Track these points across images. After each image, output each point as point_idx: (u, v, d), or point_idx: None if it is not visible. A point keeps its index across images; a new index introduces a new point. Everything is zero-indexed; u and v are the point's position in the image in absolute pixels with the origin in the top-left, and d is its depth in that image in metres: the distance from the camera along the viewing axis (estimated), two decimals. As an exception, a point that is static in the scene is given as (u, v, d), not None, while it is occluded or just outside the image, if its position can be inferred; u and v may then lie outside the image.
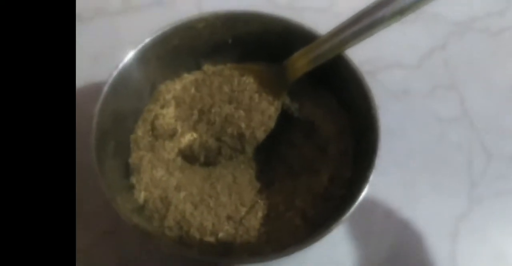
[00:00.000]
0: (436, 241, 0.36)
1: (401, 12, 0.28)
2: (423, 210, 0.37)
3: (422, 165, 0.40)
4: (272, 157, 0.34)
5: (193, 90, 0.33)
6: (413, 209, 0.37)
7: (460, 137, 0.41)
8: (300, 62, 0.31)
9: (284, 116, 0.33)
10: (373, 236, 0.36)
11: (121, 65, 0.30)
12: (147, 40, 0.31)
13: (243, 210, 0.31)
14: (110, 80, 0.29)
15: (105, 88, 0.29)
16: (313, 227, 0.30)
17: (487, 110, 0.43)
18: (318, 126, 0.33)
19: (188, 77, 0.34)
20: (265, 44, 0.34)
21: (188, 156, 0.33)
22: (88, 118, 0.39)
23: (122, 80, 0.30)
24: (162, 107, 0.33)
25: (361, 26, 0.29)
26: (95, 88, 0.41)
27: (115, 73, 0.29)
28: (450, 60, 0.45)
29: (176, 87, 0.34)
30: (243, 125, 0.31)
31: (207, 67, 0.35)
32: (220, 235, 0.29)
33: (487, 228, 0.37)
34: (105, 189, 0.26)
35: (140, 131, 0.32)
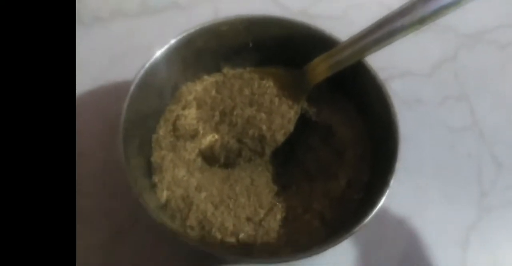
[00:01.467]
0: (446, 249, 0.37)
1: (420, 21, 0.28)
2: (434, 218, 0.38)
3: (433, 173, 0.40)
4: (289, 160, 0.35)
5: (213, 92, 0.33)
6: (424, 216, 0.38)
7: (470, 147, 0.42)
8: (320, 68, 0.32)
9: (302, 120, 0.33)
10: (384, 242, 0.37)
11: (147, 65, 0.30)
12: (172, 41, 0.31)
13: (262, 212, 0.31)
14: (137, 79, 0.29)
15: (132, 87, 0.29)
16: (331, 229, 0.30)
17: (497, 121, 0.44)
18: (335, 131, 0.34)
19: (208, 79, 0.35)
20: (284, 49, 0.34)
21: (208, 157, 0.33)
22: (106, 116, 0.39)
23: (147, 80, 0.30)
24: (184, 108, 0.33)
25: (381, 33, 0.29)
26: (113, 87, 0.42)
27: (142, 72, 0.30)
28: (461, 71, 0.46)
29: (197, 88, 0.34)
30: (264, 127, 0.32)
31: (227, 70, 0.35)
32: (241, 236, 0.30)
33: (497, 237, 0.38)
34: (133, 186, 0.26)
35: (162, 131, 0.33)
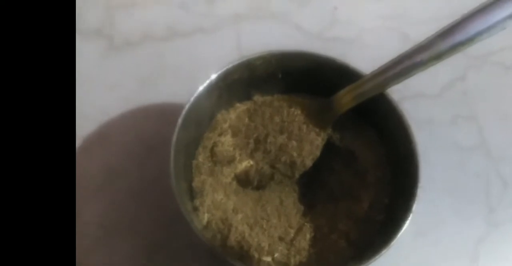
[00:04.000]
0: (458, 263, 0.40)
1: (438, 57, 0.30)
2: (446, 233, 0.41)
3: (443, 191, 0.43)
4: (313, 182, 0.38)
5: (247, 119, 0.36)
6: (437, 232, 0.41)
7: (479, 165, 0.44)
8: (346, 99, 0.34)
9: (326, 145, 0.36)
10: (401, 257, 0.39)
11: (192, 99, 0.33)
12: (213, 76, 0.34)
13: (292, 232, 0.34)
14: (183, 113, 0.32)
15: (179, 121, 0.32)
16: (357, 249, 0.33)
17: (504, 140, 0.46)
18: (357, 156, 0.36)
19: (240, 107, 0.37)
20: (310, 79, 0.37)
21: (242, 180, 0.36)
22: (139, 135, 0.42)
23: (190, 112, 0.33)
24: (220, 135, 0.36)
25: (401, 68, 0.31)
26: (144, 108, 0.45)
27: (187, 106, 0.33)
28: (469, 91, 0.48)
29: (231, 116, 0.37)
30: (295, 154, 0.34)
31: (257, 98, 0.38)
32: (276, 255, 0.33)
33: (505, 249, 0.41)
34: (184, 211, 0.29)
35: (201, 157, 0.35)
